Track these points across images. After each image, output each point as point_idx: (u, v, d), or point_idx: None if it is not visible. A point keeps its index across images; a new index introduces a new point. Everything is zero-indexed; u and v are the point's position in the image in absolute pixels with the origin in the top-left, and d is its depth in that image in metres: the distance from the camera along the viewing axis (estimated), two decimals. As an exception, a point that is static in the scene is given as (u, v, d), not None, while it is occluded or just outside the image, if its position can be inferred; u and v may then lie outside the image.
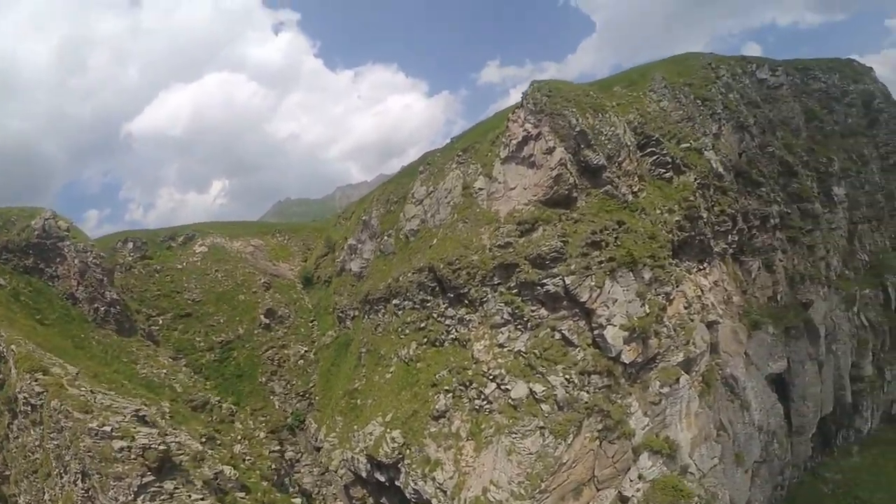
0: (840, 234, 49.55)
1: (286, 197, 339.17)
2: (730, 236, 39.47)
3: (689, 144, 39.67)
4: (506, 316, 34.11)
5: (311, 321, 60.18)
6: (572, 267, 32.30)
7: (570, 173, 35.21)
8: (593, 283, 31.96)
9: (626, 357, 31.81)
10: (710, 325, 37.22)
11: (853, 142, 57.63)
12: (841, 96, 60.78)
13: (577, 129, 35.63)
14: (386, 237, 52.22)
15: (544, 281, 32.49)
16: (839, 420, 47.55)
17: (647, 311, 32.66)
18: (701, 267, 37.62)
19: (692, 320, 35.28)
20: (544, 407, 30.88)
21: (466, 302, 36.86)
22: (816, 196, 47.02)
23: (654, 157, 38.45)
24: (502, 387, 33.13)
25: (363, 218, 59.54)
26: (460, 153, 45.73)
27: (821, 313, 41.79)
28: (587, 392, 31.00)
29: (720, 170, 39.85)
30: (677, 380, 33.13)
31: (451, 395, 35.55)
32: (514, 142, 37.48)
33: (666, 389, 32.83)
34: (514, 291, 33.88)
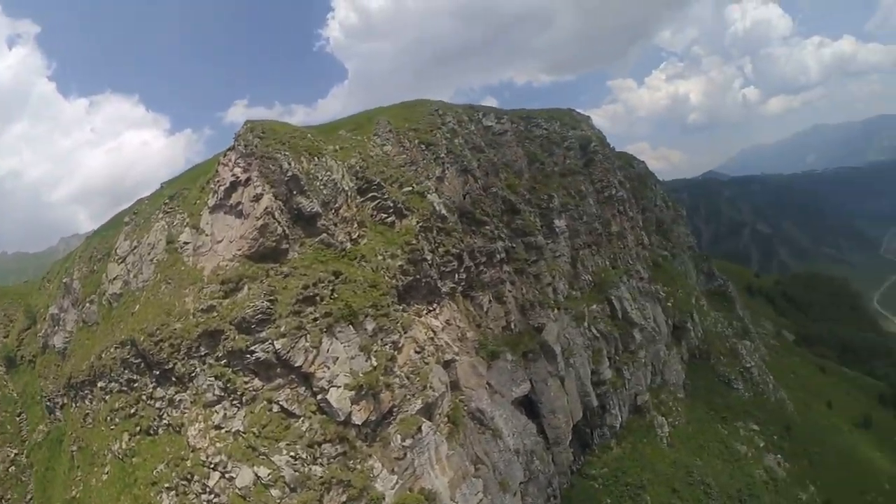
0: (564, 260, 57.21)
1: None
2: (457, 275, 42.44)
3: (411, 188, 42.00)
4: (217, 392, 31.34)
5: (19, 414, 50.38)
6: (282, 328, 30.94)
7: (279, 223, 34.24)
8: (308, 344, 30.94)
9: (358, 418, 31.14)
10: (448, 364, 38.99)
11: (572, 180, 67.58)
12: (561, 141, 71.32)
13: (290, 173, 35.08)
14: (88, 304, 45.58)
15: (253, 348, 30.64)
16: (592, 422, 54.03)
17: (375, 364, 32.68)
18: (430, 308, 39.48)
19: (426, 363, 36.39)
20: (274, 492, 28.51)
21: (174, 379, 33.29)
22: (539, 230, 53.71)
23: (376, 202, 39.84)
24: (227, 475, 30.02)
25: (64, 280, 51.55)
26: (167, 200, 42.21)
27: (554, 333, 47.22)
28: (320, 465, 29.52)
29: (443, 211, 42.93)
30: (419, 428, 33.52)
31: (174, 492, 31.35)
32: (223, 188, 35.66)
33: (409, 441, 32.91)
34: (223, 362, 31.43)
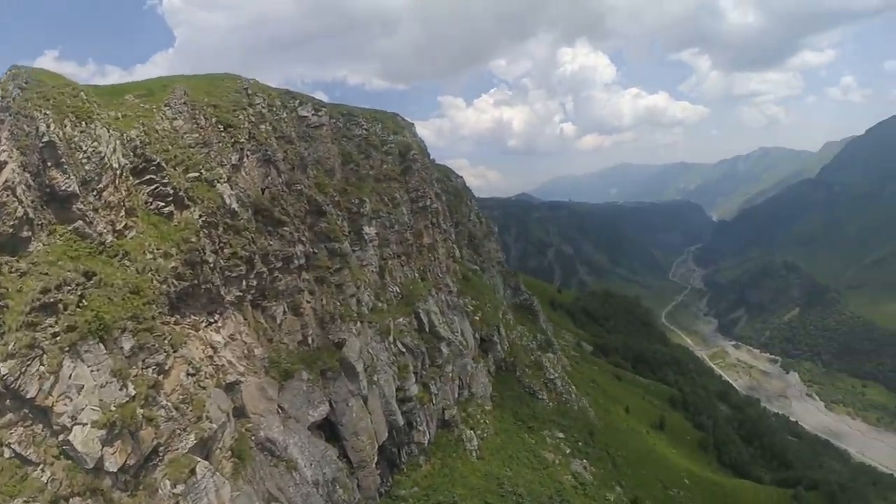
0: (371, 270, 56.27)
1: None
2: (246, 281, 38.73)
3: (199, 174, 37.22)
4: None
5: None
6: (10, 346, 24.50)
7: (21, 202, 27.57)
8: (44, 368, 24.89)
9: (112, 463, 25.64)
10: (231, 388, 35.13)
11: (387, 186, 67.26)
12: (380, 144, 70.60)
13: (46, 139, 28.60)
14: None
15: (-36, 372, 23.91)
16: (399, 441, 53.21)
17: (133, 392, 27.54)
18: (211, 320, 35.32)
19: (203, 388, 32.15)
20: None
21: None
22: (346, 235, 51.98)
23: (153, 187, 34.27)
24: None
25: None
26: None
27: (356, 349, 45.47)
28: (68, 526, 23.86)
29: (234, 205, 38.91)
30: (193, 470, 29.05)
31: None
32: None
33: (181, 487, 28.31)
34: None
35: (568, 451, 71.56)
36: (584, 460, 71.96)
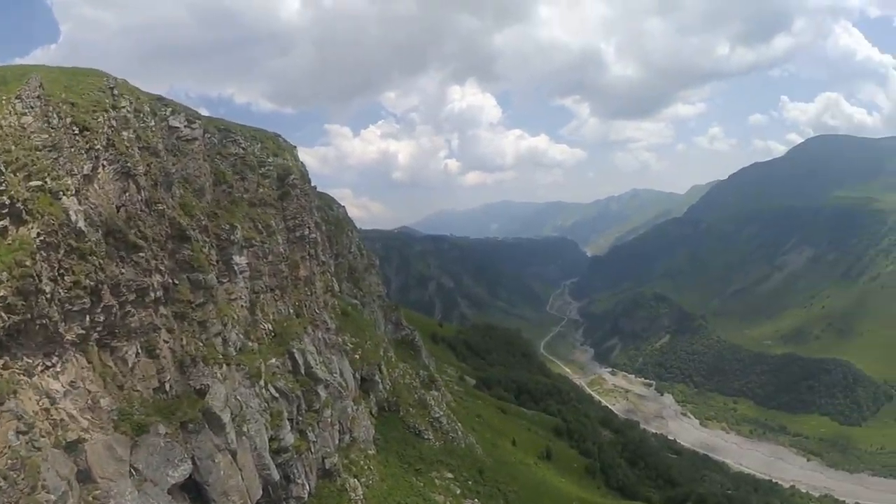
0: (241, 304, 52.45)
1: None
2: (91, 316, 33.95)
3: (42, 182, 32.26)
4: None
5: None
6: None
7: None
8: None
9: None
10: (74, 447, 30.40)
11: (262, 212, 63.63)
12: (258, 165, 66.43)
13: None
14: None
15: None
16: (276, 497, 48.95)
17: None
18: (48, 364, 30.50)
19: (38, 449, 27.44)
20: None
21: None
22: (214, 265, 47.97)
23: (-12, 195, 29.13)
24: None
25: None
26: None
27: (221, 397, 41.37)
28: None
29: (81, 224, 33.94)
30: None
31: None
32: None
33: None
34: None
35: (458, 492, 70.74)
36: (476, 500, 71.54)
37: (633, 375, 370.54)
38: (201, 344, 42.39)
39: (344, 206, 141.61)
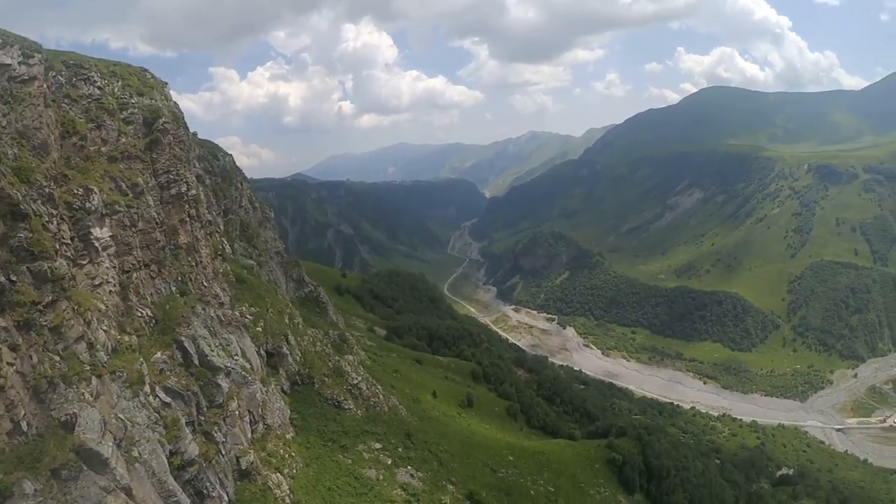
0: (108, 291, 41.73)
1: None
2: None
3: None
4: None
5: None
6: None
7: None
8: None
9: None
10: None
11: (125, 167, 51.33)
12: (118, 109, 52.35)
13: None
14: None
15: None
16: None
17: None
18: None
19: None
20: None
21: None
22: (67, 245, 37.02)
23: None
24: None
25: None
26: None
27: (96, 425, 31.27)
28: None
29: None
30: None
31: None
32: None
33: None
34: None
35: (390, 462, 65.20)
36: (409, 467, 66.33)
37: (535, 311, 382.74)
38: (58, 358, 31.49)
39: (231, 155, 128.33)
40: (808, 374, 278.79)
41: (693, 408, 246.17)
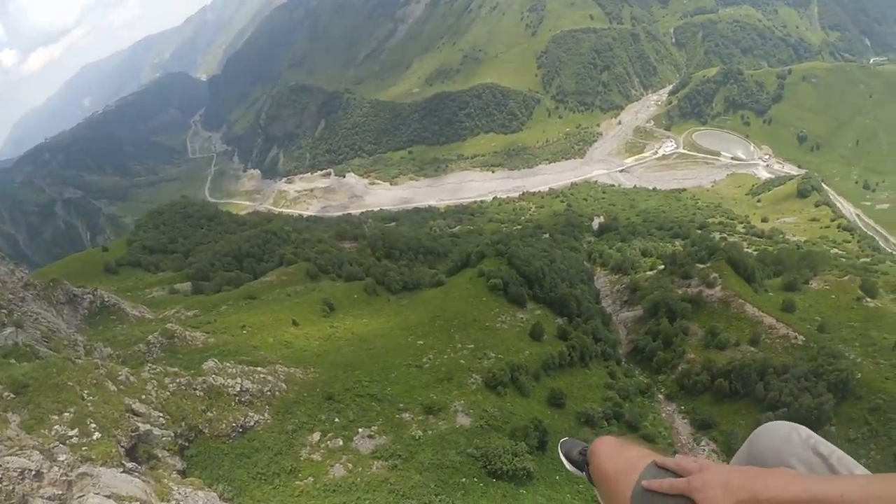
0: None
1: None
2: None
3: None
4: None
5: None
6: None
7: None
8: None
9: None
10: None
11: None
12: None
13: None
14: None
15: None
16: None
17: None
18: None
19: None
20: None
21: None
22: None
23: None
24: None
25: None
26: None
27: None
28: None
29: None
30: None
31: None
32: None
33: None
34: None
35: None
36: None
37: (309, 174, 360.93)
38: None
39: None
40: (579, 133, 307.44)
41: (495, 198, 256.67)
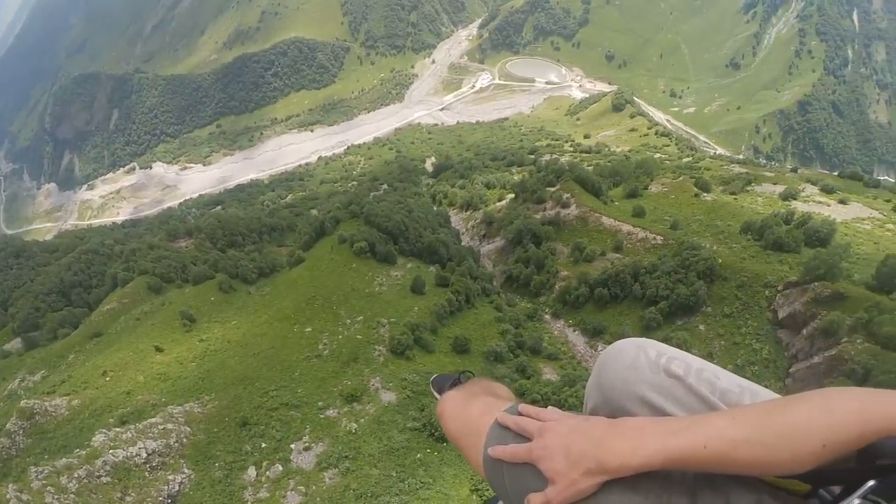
0: None
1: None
2: None
3: None
4: None
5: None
6: None
7: None
8: None
9: None
10: None
11: None
12: None
13: None
14: None
15: None
16: None
17: None
18: None
19: None
20: None
21: None
22: None
23: None
24: None
25: None
26: None
27: None
28: None
29: None
30: None
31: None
32: None
33: None
34: None
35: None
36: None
37: (111, 173, 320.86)
38: None
39: None
40: (394, 77, 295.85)
41: (320, 158, 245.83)
